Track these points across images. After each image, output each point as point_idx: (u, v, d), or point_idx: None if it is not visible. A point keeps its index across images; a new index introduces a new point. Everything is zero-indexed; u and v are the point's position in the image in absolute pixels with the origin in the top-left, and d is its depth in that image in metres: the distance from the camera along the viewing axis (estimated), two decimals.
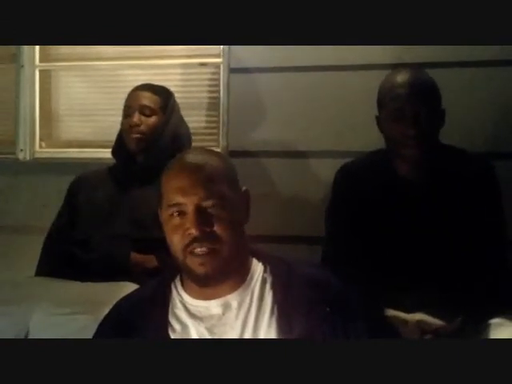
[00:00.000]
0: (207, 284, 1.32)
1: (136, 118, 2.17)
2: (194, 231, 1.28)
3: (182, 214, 1.30)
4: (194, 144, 2.34)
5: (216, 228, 1.29)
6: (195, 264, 1.29)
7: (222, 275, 1.31)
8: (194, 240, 1.28)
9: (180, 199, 1.29)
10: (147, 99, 2.20)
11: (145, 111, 2.19)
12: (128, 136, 2.19)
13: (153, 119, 2.19)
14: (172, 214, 1.31)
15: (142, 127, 2.17)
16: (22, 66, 2.90)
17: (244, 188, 1.39)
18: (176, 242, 1.31)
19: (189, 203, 1.29)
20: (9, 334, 1.68)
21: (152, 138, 2.17)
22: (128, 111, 2.21)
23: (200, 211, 1.28)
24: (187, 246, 1.29)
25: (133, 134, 2.18)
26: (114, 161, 2.29)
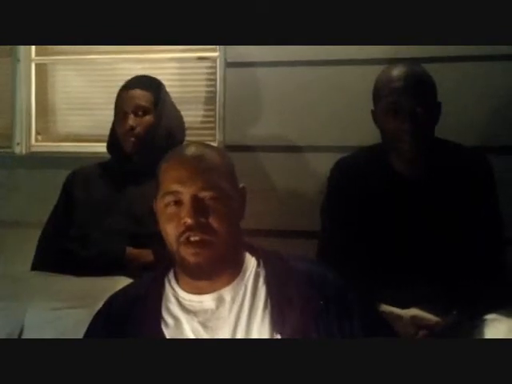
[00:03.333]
0: (199, 276, 1.32)
1: (131, 121, 2.16)
2: (188, 220, 1.28)
3: (178, 203, 1.30)
4: (190, 139, 2.33)
5: (211, 220, 1.29)
6: (188, 253, 1.29)
7: (215, 268, 1.31)
8: (188, 229, 1.28)
9: (177, 188, 1.30)
10: (139, 99, 2.18)
11: (138, 112, 2.17)
12: (125, 140, 2.18)
13: (147, 118, 2.18)
14: (168, 203, 1.31)
15: (138, 129, 2.16)
16: (19, 60, 2.90)
17: (241, 185, 1.40)
18: (170, 231, 1.31)
19: (186, 192, 1.29)
20: (4, 329, 1.68)
21: (147, 138, 2.16)
22: (121, 114, 2.19)
23: (196, 201, 1.29)
24: (181, 234, 1.29)
25: (130, 137, 2.17)
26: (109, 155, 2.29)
